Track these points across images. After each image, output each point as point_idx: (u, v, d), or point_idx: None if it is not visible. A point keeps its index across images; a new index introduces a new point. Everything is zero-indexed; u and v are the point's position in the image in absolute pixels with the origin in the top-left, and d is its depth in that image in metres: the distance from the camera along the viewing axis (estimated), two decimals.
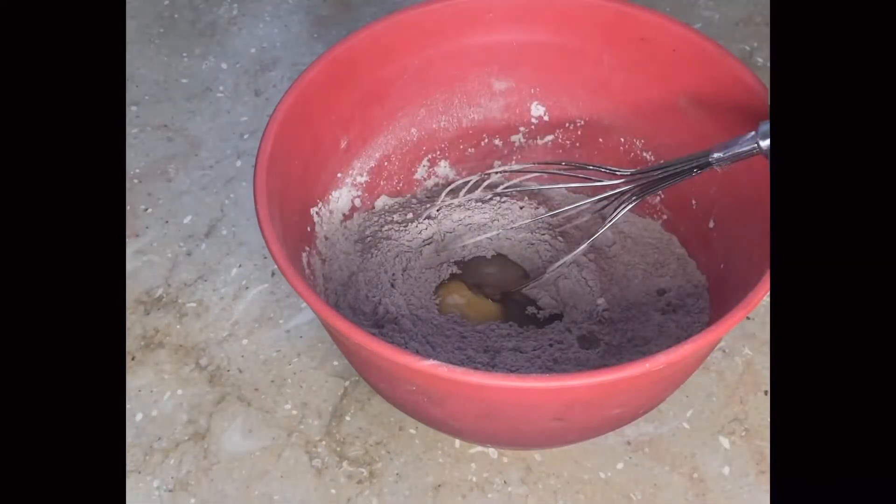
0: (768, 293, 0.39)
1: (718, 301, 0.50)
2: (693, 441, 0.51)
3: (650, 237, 0.56)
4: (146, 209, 0.62)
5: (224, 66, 0.72)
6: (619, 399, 0.42)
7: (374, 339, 0.38)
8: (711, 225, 0.52)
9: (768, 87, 0.46)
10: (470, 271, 0.56)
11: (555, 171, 0.54)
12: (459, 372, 0.37)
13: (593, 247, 0.55)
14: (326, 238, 0.53)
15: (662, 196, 0.56)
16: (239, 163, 0.65)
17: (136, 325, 0.56)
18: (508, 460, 0.50)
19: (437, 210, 0.56)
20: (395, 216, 0.56)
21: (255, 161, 0.45)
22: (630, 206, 0.49)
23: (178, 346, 0.55)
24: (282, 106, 0.47)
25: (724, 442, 0.50)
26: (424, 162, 0.58)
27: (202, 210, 0.62)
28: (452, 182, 0.57)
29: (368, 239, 0.55)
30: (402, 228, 0.55)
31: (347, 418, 0.52)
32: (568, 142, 0.58)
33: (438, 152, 0.58)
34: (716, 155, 0.44)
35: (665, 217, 0.56)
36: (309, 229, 0.51)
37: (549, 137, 0.59)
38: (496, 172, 0.57)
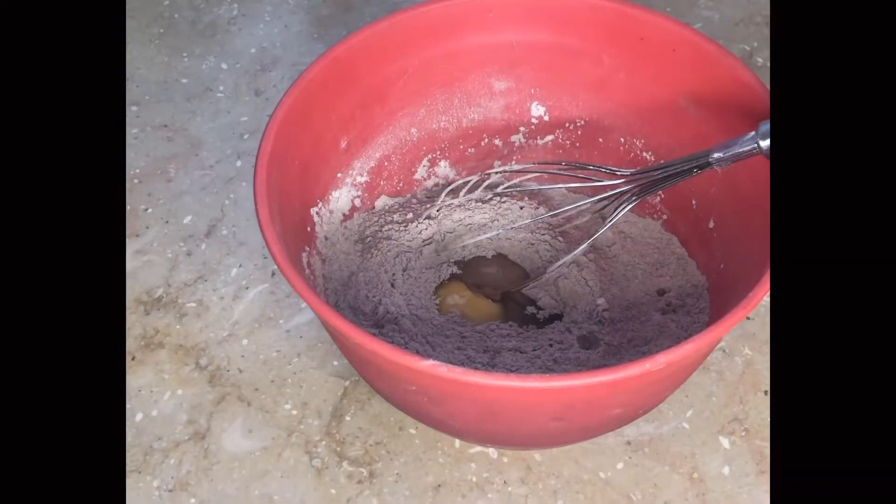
0: (768, 293, 0.39)
1: (718, 301, 0.50)
2: (693, 441, 0.51)
3: (650, 237, 0.56)
4: (146, 209, 0.62)
5: (224, 66, 0.72)
6: (619, 399, 0.42)
7: (374, 339, 0.38)
8: (711, 225, 0.52)
9: (768, 87, 0.46)
10: (470, 271, 0.56)
11: (555, 171, 0.54)
12: (459, 372, 0.37)
13: (593, 247, 0.55)
14: (326, 238, 0.53)
15: (662, 196, 0.56)
16: (239, 163, 0.65)
17: (136, 325, 0.56)
18: (508, 460, 0.50)
19: (437, 210, 0.56)
20: (395, 216, 0.56)
21: (255, 161, 0.45)
22: (630, 206, 0.49)
23: (178, 346, 0.55)
24: (282, 106, 0.47)
25: (724, 442, 0.50)
26: (424, 162, 0.58)
27: (202, 210, 0.62)
28: (452, 182, 0.57)
29: (368, 239, 0.55)
30: (402, 228, 0.55)
31: (347, 418, 0.52)
32: (568, 142, 0.58)
33: (438, 152, 0.58)
34: (716, 155, 0.44)
35: (665, 217, 0.56)
36: (309, 229, 0.51)
37: (549, 137, 0.59)
38: (496, 172, 0.57)
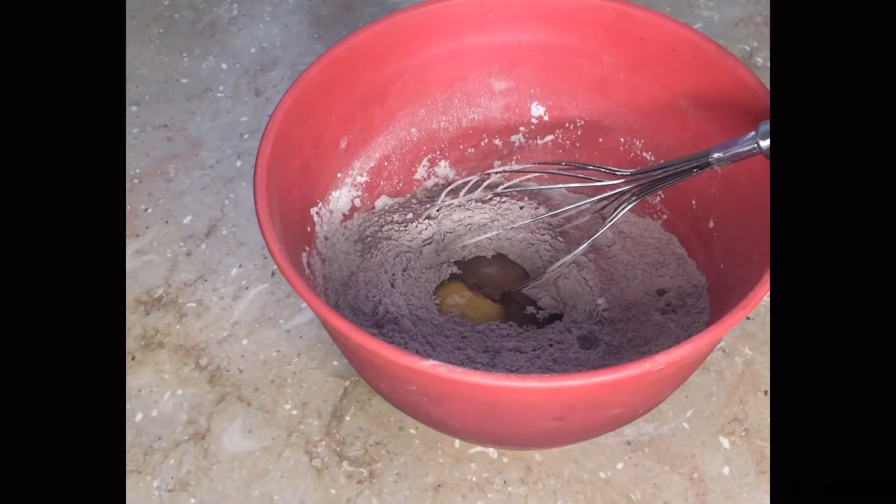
0: (768, 293, 0.39)
1: (718, 301, 0.50)
2: (693, 441, 0.51)
3: (650, 237, 0.56)
4: (146, 209, 0.62)
5: (224, 66, 0.72)
6: (619, 399, 0.42)
7: (374, 339, 0.38)
8: (711, 225, 0.52)
9: (768, 87, 0.46)
10: (470, 271, 0.56)
11: (555, 171, 0.54)
12: (459, 372, 0.37)
13: (593, 247, 0.55)
14: (326, 238, 0.53)
15: (662, 196, 0.56)
16: (239, 163, 0.65)
17: (136, 325, 0.56)
18: (508, 460, 0.50)
19: (437, 210, 0.56)
20: (395, 216, 0.56)
21: (255, 161, 0.45)
22: (630, 206, 0.49)
23: (178, 346, 0.55)
24: (282, 106, 0.47)
25: (724, 442, 0.50)
26: (424, 162, 0.58)
27: (202, 210, 0.62)
28: (452, 182, 0.57)
29: (368, 239, 0.55)
30: (402, 228, 0.55)
31: (347, 418, 0.52)
32: (568, 142, 0.58)
33: (438, 152, 0.58)
34: (716, 155, 0.44)
35: (665, 217, 0.56)
36: (309, 229, 0.51)
37: (549, 137, 0.59)
38: (496, 172, 0.57)
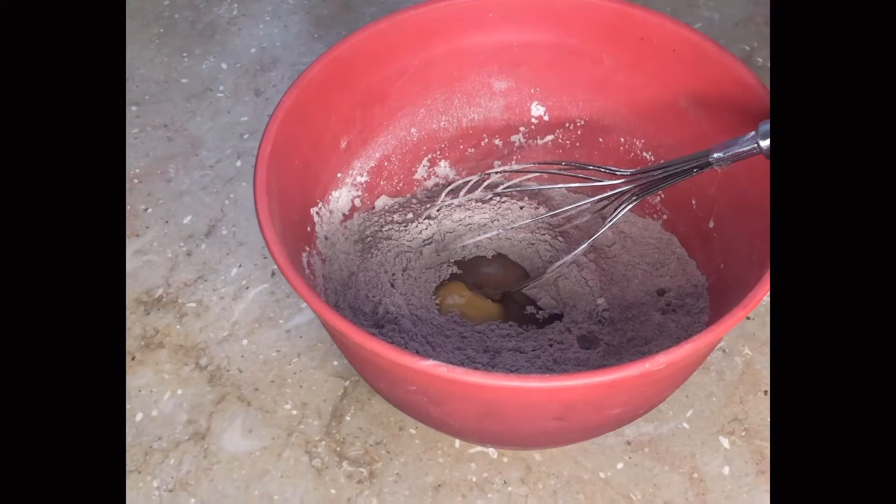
0: (768, 293, 0.39)
1: (718, 301, 0.50)
2: (693, 441, 0.51)
3: (650, 237, 0.56)
4: (146, 209, 0.62)
5: (224, 66, 0.72)
6: (619, 399, 0.42)
7: (374, 339, 0.38)
8: (711, 225, 0.52)
9: (768, 87, 0.46)
10: (470, 271, 0.56)
11: (555, 171, 0.54)
12: (459, 372, 0.37)
13: (593, 247, 0.55)
14: (326, 238, 0.53)
15: (662, 196, 0.56)
16: (239, 163, 0.65)
17: (136, 325, 0.56)
18: (508, 460, 0.50)
19: (437, 210, 0.56)
20: (395, 216, 0.56)
21: (255, 161, 0.45)
22: (630, 206, 0.49)
23: (178, 346, 0.55)
24: (282, 106, 0.47)
25: (724, 442, 0.50)
26: (424, 162, 0.58)
27: (202, 210, 0.62)
28: (452, 182, 0.57)
29: (368, 239, 0.55)
30: (402, 228, 0.55)
31: (347, 418, 0.52)
32: (568, 142, 0.58)
33: (438, 152, 0.58)
34: (716, 155, 0.44)
35: (665, 217, 0.56)
36: (309, 229, 0.51)
37: (549, 137, 0.59)
38: (496, 172, 0.57)
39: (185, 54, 0.73)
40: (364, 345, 0.38)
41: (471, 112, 0.57)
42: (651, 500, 0.48)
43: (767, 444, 0.50)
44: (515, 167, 0.57)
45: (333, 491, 0.49)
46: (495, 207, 0.57)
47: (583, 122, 0.57)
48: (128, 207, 0.62)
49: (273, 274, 0.59)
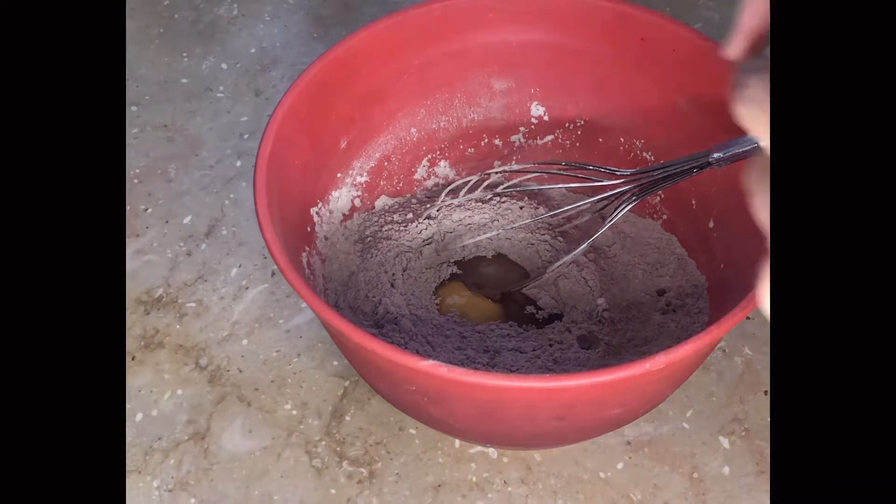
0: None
1: (718, 301, 0.50)
2: (693, 441, 0.51)
3: (650, 237, 0.56)
4: (146, 209, 0.62)
5: (224, 66, 0.72)
6: (619, 399, 0.42)
7: (375, 339, 0.38)
8: (711, 225, 0.52)
9: None
10: (470, 271, 0.56)
11: (555, 172, 0.54)
12: (459, 372, 0.37)
13: (593, 247, 0.55)
14: (326, 238, 0.53)
15: (662, 196, 0.56)
16: (239, 163, 0.65)
17: (136, 325, 0.56)
18: (508, 460, 0.50)
19: (437, 210, 0.56)
20: (395, 216, 0.56)
21: (255, 161, 0.45)
22: (630, 206, 0.49)
23: (178, 346, 0.55)
24: (282, 106, 0.47)
25: (724, 442, 0.50)
26: (424, 162, 0.58)
27: (202, 210, 0.62)
28: (452, 182, 0.57)
29: (368, 239, 0.55)
30: (402, 228, 0.55)
31: (347, 418, 0.52)
32: (568, 142, 0.58)
33: (438, 152, 0.58)
34: (716, 155, 0.44)
35: (665, 217, 0.56)
36: (309, 229, 0.51)
37: (549, 137, 0.59)
38: (496, 172, 0.57)
39: (185, 54, 0.73)
40: (364, 345, 0.38)
41: (471, 112, 0.57)
42: (651, 500, 0.48)
43: (767, 444, 0.50)
44: (515, 167, 0.57)
45: (333, 491, 0.49)
46: (495, 207, 0.57)
47: (583, 122, 0.57)
48: (128, 207, 0.62)
49: (273, 274, 0.59)
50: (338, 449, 0.51)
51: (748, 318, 0.56)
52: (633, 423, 0.50)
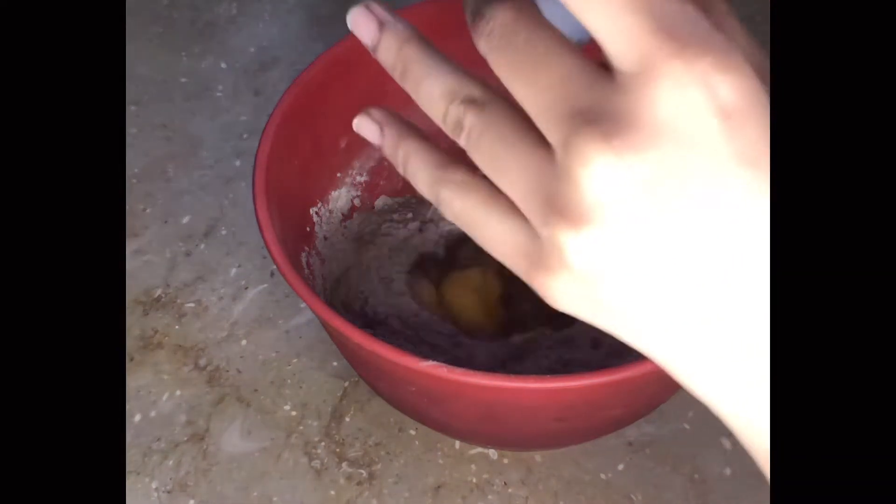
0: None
1: None
2: (695, 442, 0.50)
3: None
4: (145, 209, 0.62)
5: (223, 65, 0.72)
6: (620, 400, 0.42)
7: (374, 340, 0.38)
8: None
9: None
10: (459, 247, 0.55)
11: None
12: (459, 372, 0.37)
13: None
14: (326, 238, 0.53)
15: None
16: (238, 162, 0.65)
17: (134, 325, 0.56)
18: (509, 461, 0.50)
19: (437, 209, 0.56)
20: (394, 216, 0.56)
21: (255, 161, 0.45)
22: None
23: (177, 346, 0.55)
24: (281, 105, 0.47)
25: (726, 443, 0.50)
26: None
27: (201, 210, 0.62)
28: None
29: (366, 237, 0.54)
30: (400, 227, 0.55)
31: (347, 419, 0.52)
32: None
33: None
34: None
35: None
36: (308, 229, 0.51)
37: None
38: None
39: (184, 53, 0.73)
40: (364, 345, 0.38)
41: None
42: (652, 502, 0.48)
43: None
44: None
45: (333, 492, 0.49)
46: None
47: None
48: (126, 207, 0.62)
49: (272, 274, 0.58)
50: (337, 450, 0.50)
51: None
52: (635, 423, 0.50)
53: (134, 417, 0.52)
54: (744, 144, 0.25)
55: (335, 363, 0.54)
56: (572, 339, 0.50)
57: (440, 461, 0.50)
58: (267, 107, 0.69)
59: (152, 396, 0.53)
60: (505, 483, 0.49)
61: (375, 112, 0.36)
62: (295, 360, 0.54)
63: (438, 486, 0.49)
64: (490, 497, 0.49)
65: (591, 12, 0.25)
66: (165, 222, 0.62)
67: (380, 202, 0.57)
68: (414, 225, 0.55)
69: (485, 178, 0.32)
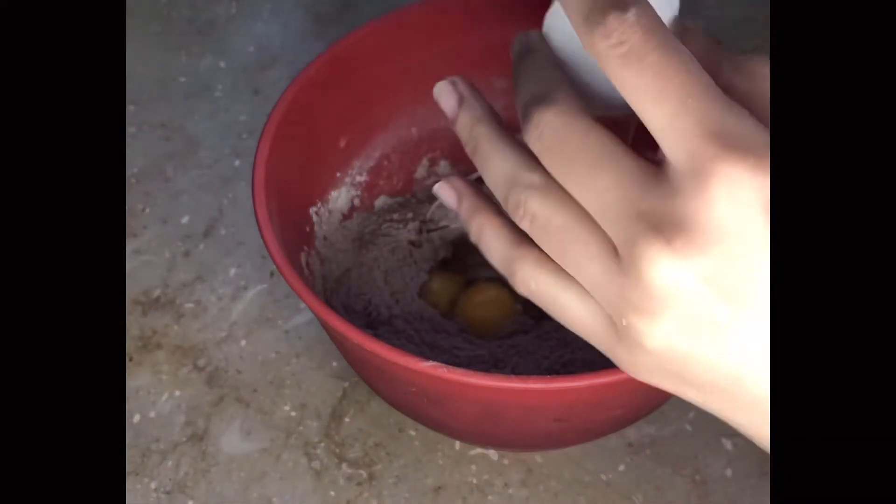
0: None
1: None
2: (695, 443, 0.50)
3: None
4: (144, 209, 0.62)
5: (222, 64, 0.72)
6: (621, 400, 0.42)
7: (374, 340, 0.38)
8: None
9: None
10: (464, 249, 0.55)
11: None
12: (459, 373, 0.37)
13: None
14: (325, 238, 0.53)
15: None
16: (237, 162, 0.65)
17: (133, 325, 0.56)
18: (509, 462, 0.50)
19: (436, 209, 0.56)
20: (394, 216, 0.56)
21: (254, 160, 0.44)
22: None
23: (176, 346, 0.55)
24: (280, 105, 0.47)
25: (727, 444, 0.50)
26: (424, 161, 0.58)
27: (200, 210, 0.62)
28: None
29: (366, 237, 0.54)
30: (400, 227, 0.55)
31: (347, 420, 0.52)
32: None
33: (438, 152, 0.58)
34: None
35: None
36: (308, 229, 0.51)
37: None
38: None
39: (182, 53, 0.73)
40: (364, 345, 0.38)
41: None
42: (653, 503, 0.48)
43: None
44: None
45: (332, 493, 0.49)
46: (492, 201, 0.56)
47: None
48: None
49: (272, 274, 0.58)
50: (337, 451, 0.50)
51: None
52: (635, 424, 0.50)
53: (133, 418, 0.52)
54: None
55: (335, 363, 0.54)
56: (572, 340, 0.50)
57: (440, 462, 0.50)
58: (266, 106, 0.68)
59: (151, 397, 0.53)
60: (505, 484, 0.49)
61: (455, 180, 0.38)
62: (294, 361, 0.54)
63: (438, 487, 0.49)
64: (490, 498, 0.48)
65: (648, 111, 0.29)
66: (164, 222, 0.61)
67: (380, 202, 0.57)
68: (414, 225, 0.55)
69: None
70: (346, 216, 0.55)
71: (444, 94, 0.37)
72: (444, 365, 0.37)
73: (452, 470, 0.50)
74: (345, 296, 0.51)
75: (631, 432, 0.50)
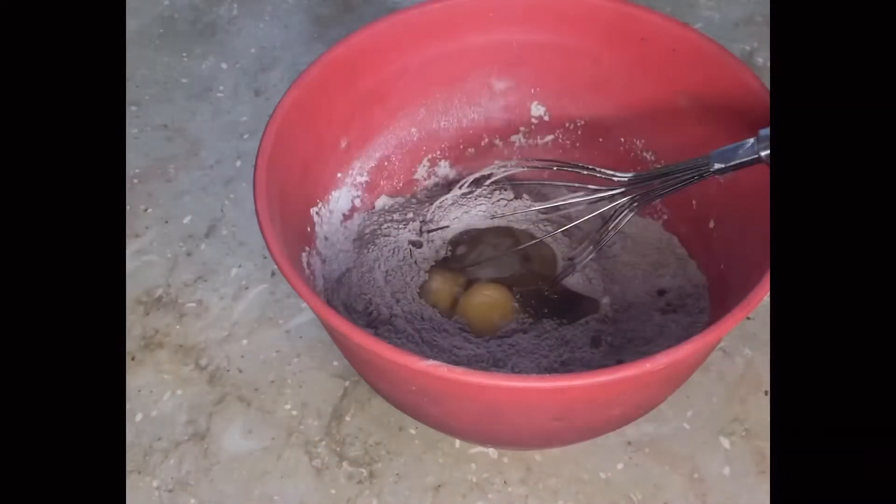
0: (768, 293, 0.39)
1: (718, 301, 0.50)
2: (693, 441, 0.50)
3: (650, 237, 0.56)
4: (146, 209, 0.62)
5: (224, 66, 0.72)
6: (620, 399, 0.42)
7: (375, 340, 0.38)
8: (712, 225, 0.52)
9: (769, 87, 0.46)
10: (463, 248, 0.55)
11: (551, 182, 0.54)
12: (459, 372, 0.37)
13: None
14: (326, 238, 0.53)
15: None
16: (239, 163, 0.65)
17: (135, 325, 0.56)
18: (508, 460, 0.50)
19: (436, 209, 0.56)
20: (394, 216, 0.56)
21: (255, 161, 0.45)
22: (632, 215, 0.49)
23: (178, 346, 0.55)
24: (282, 106, 0.47)
25: (725, 442, 0.50)
26: (425, 162, 0.58)
27: (202, 210, 0.62)
28: (452, 182, 0.57)
29: (367, 237, 0.54)
30: (400, 227, 0.55)
31: (347, 418, 0.52)
32: (568, 142, 0.58)
33: (438, 152, 0.58)
34: (717, 166, 0.44)
35: (665, 217, 0.56)
36: (309, 229, 0.51)
37: (550, 137, 0.58)
38: (495, 171, 0.57)
39: (184, 54, 0.73)
40: (364, 345, 0.38)
41: (471, 112, 0.57)
42: (651, 501, 0.48)
43: (768, 445, 0.50)
44: (514, 166, 0.57)
45: (333, 491, 0.49)
46: (493, 201, 0.57)
47: (583, 123, 0.57)
48: (127, 208, 0.62)
49: (273, 274, 0.59)
50: (338, 449, 0.51)
51: (748, 318, 0.56)
52: (634, 423, 0.50)
53: (135, 417, 0.52)
54: None
55: (335, 363, 0.54)
56: (572, 339, 0.50)
57: (440, 460, 0.50)
58: (267, 107, 0.69)
59: (153, 396, 0.53)
60: (505, 482, 0.49)
61: None
62: (295, 360, 0.54)
63: (439, 485, 0.49)
64: (490, 496, 0.49)
65: None
66: (166, 222, 0.62)
67: (380, 202, 0.57)
68: (414, 225, 0.55)
69: None
70: (346, 216, 0.55)
71: None
72: (444, 364, 0.37)
73: (452, 468, 0.50)
74: (345, 295, 0.52)
75: (630, 431, 0.51)
